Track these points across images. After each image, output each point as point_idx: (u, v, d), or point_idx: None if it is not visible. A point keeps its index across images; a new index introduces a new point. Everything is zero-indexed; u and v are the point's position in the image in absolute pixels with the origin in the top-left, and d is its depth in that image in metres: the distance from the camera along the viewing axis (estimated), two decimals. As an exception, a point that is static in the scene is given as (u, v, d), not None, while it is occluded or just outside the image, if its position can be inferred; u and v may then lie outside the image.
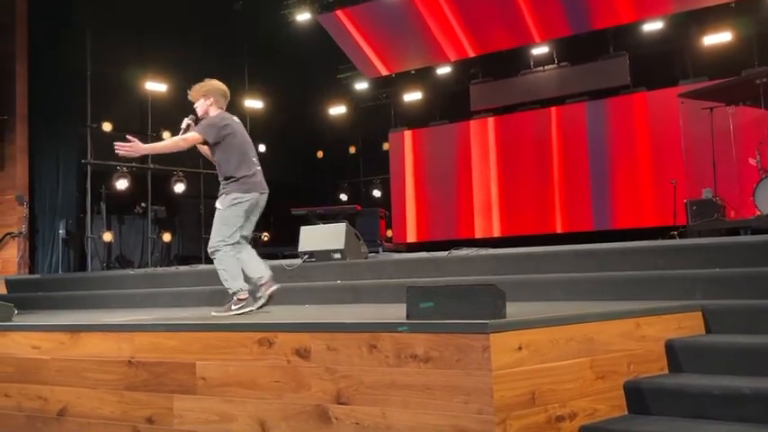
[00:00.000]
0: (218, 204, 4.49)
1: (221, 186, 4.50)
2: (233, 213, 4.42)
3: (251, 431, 3.19)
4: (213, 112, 4.57)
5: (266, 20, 11.77)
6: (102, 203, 10.28)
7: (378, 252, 8.47)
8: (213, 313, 4.34)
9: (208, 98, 4.56)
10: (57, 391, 3.88)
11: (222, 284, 4.47)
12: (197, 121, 4.55)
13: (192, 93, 4.59)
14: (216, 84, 4.63)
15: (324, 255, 6.14)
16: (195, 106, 4.57)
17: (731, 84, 7.77)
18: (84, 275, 8.91)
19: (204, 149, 4.58)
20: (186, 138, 4.43)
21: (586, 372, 2.92)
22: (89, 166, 9.98)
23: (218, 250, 4.40)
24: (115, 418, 3.64)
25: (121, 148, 4.33)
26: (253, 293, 4.44)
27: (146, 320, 4.10)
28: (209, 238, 4.53)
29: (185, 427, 3.40)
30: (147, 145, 4.56)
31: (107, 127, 10.34)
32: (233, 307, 4.33)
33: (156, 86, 10.94)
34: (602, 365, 2.98)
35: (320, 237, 6.26)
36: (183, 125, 4.51)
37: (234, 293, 4.38)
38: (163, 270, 8.28)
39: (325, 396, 2.99)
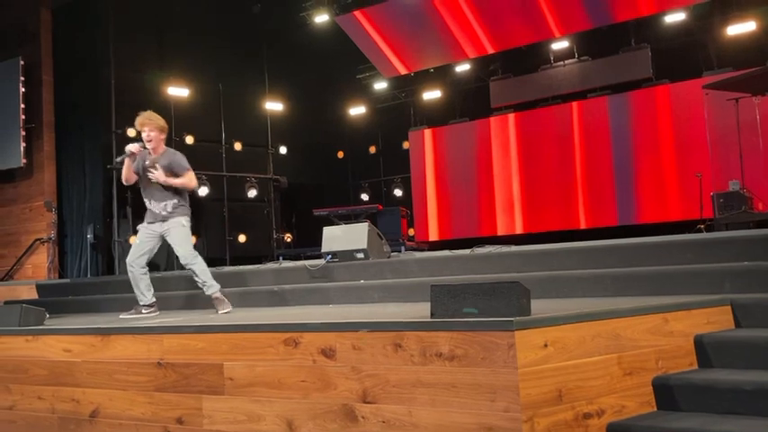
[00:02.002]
0: (183, 222, 5.13)
1: (173, 207, 5.10)
2: (189, 231, 5.25)
3: (279, 431, 3.22)
4: (162, 146, 5.15)
5: (285, 22, 11.84)
6: (128, 208, 10.43)
7: (400, 251, 8.47)
8: (220, 312, 5.01)
9: (163, 132, 5.13)
10: (88, 393, 3.95)
11: (202, 288, 5.17)
12: (144, 148, 5.09)
13: (151, 122, 5.07)
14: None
15: (347, 255, 6.17)
16: (150, 135, 5.04)
17: (756, 74, 7.61)
18: (112, 279, 9.04)
19: (130, 175, 5.14)
20: (194, 179, 5.17)
21: (614, 368, 2.89)
22: (114, 172, 10.13)
23: (195, 261, 5.08)
24: (146, 419, 3.70)
25: (154, 175, 5.03)
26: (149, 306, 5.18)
27: (174, 322, 4.16)
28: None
29: (215, 428, 3.44)
30: (170, 179, 5.07)
31: (131, 132, 10.47)
32: (221, 310, 5.03)
33: (178, 91, 11.07)
34: (629, 361, 2.95)
35: (343, 237, 6.28)
36: (135, 149, 5.02)
37: (216, 296, 5.11)
38: (188, 272, 8.37)
39: (351, 395, 3.01)
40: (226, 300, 5.15)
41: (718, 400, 2.88)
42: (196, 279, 5.17)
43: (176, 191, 5.14)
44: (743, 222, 6.91)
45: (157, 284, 5.72)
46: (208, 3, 11.07)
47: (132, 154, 5.06)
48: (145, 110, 5.27)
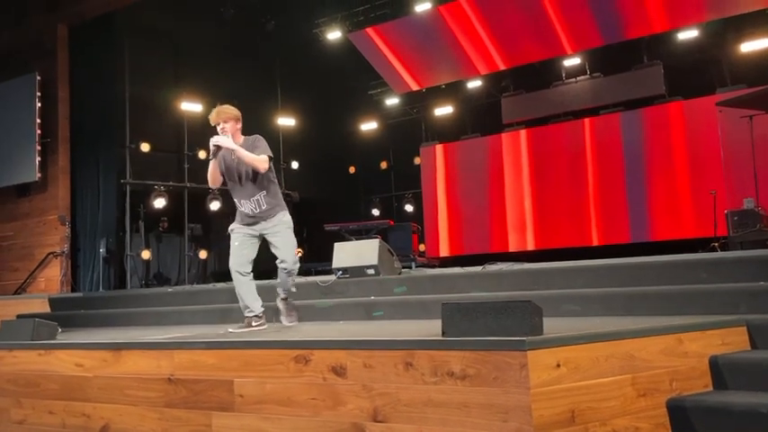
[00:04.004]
0: (289, 222, 4.67)
1: (266, 202, 4.60)
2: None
3: (288, 449, 3.20)
4: (239, 135, 4.66)
5: (298, 39, 11.96)
6: (140, 222, 10.50)
7: (411, 267, 8.46)
8: (287, 322, 4.79)
9: (239, 122, 4.67)
10: (99, 409, 3.95)
11: (281, 293, 4.83)
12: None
13: (224, 114, 4.60)
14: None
15: (357, 271, 6.17)
16: (224, 127, 4.57)
17: (771, 91, 7.58)
18: (123, 293, 9.09)
19: (217, 175, 4.64)
20: (265, 160, 4.50)
21: (627, 389, 2.86)
22: (128, 186, 10.22)
23: (295, 269, 4.70)
24: (155, 435, 3.69)
25: (218, 140, 4.50)
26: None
27: (185, 338, 4.16)
28: None
29: (224, 445, 3.43)
30: (238, 147, 4.52)
31: (145, 147, 10.60)
32: (290, 321, 4.80)
33: (191, 107, 11.18)
34: (643, 383, 2.92)
35: (354, 253, 6.28)
36: (222, 142, 4.51)
37: (290, 301, 4.85)
38: (200, 287, 8.40)
39: (361, 414, 2.99)
40: (295, 310, 4.85)
41: (733, 422, 2.83)
42: (281, 282, 4.75)
43: (263, 184, 4.60)
44: (758, 241, 6.83)
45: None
46: (222, 20, 11.20)
47: (217, 148, 4.52)
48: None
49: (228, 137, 4.54)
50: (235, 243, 4.63)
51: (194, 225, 11.25)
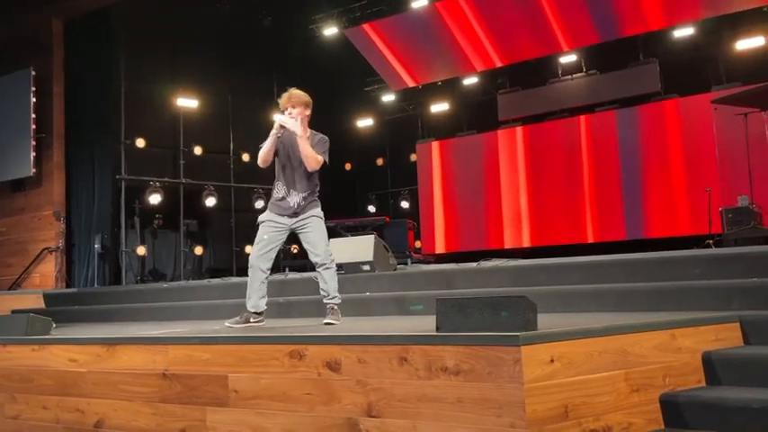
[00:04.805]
0: (321, 215, 4.48)
1: (308, 197, 4.45)
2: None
3: (283, 444, 3.20)
4: (307, 125, 4.45)
5: (294, 35, 11.93)
6: (135, 218, 10.48)
7: (406, 263, 8.47)
8: (327, 321, 4.34)
9: (308, 109, 4.43)
10: (93, 404, 3.95)
11: (324, 295, 4.42)
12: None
13: (295, 98, 4.41)
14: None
15: (353, 267, 6.17)
16: (291, 112, 4.37)
17: (765, 89, 7.60)
18: (118, 289, 9.08)
19: (271, 156, 4.44)
20: (319, 162, 4.36)
21: (621, 384, 2.87)
22: (123, 182, 10.20)
23: (332, 264, 4.41)
24: (150, 430, 3.69)
25: (285, 121, 4.32)
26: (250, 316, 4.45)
27: (180, 333, 4.16)
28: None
29: (218, 440, 3.43)
30: (302, 134, 4.33)
31: (140, 143, 10.57)
32: (332, 320, 4.34)
33: (187, 102, 11.15)
34: (637, 378, 2.93)
35: (349, 249, 6.29)
36: (289, 124, 4.32)
37: (337, 305, 4.41)
38: (195, 283, 8.40)
39: (355, 409, 2.99)
40: (339, 312, 4.45)
41: (726, 417, 2.85)
42: (323, 286, 4.42)
43: (312, 182, 4.46)
44: (752, 238, 6.86)
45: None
46: (219, 16, 11.17)
47: (282, 128, 4.32)
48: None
49: (298, 122, 4.33)
50: (264, 236, 4.43)
51: (190, 221, 11.23)
